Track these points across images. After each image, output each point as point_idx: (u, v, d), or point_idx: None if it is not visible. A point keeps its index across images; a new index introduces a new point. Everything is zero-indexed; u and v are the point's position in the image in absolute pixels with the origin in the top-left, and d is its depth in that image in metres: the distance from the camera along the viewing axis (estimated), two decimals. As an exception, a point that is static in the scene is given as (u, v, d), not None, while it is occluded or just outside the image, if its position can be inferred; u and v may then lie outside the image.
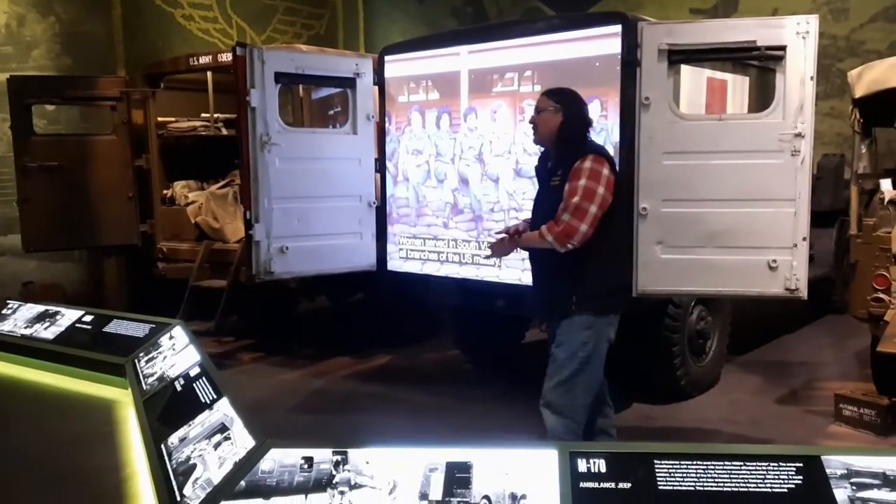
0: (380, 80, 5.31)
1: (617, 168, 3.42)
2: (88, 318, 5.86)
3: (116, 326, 5.59)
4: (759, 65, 4.63)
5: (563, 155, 3.30)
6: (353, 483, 2.69)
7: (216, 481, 2.89)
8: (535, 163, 3.64)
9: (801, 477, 2.59)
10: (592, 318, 3.23)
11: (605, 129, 4.21)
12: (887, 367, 4.32)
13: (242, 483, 2.76)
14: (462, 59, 4.87)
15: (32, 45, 7.54)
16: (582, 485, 2.58)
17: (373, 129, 5.33)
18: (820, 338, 6.60)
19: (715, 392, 5.16)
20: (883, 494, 2.49)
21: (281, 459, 2.82)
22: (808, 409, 4.83)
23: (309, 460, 2.78)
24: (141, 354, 4.97)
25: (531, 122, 3.39)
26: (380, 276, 5.38)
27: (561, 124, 3.28)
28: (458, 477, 2.67)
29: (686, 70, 4.67)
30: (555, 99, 3.33)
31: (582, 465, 2.65)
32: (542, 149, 3.51)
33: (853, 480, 2.56)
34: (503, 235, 3.51)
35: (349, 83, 5.23)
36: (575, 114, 3.31)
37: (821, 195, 6.71)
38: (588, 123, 3.37)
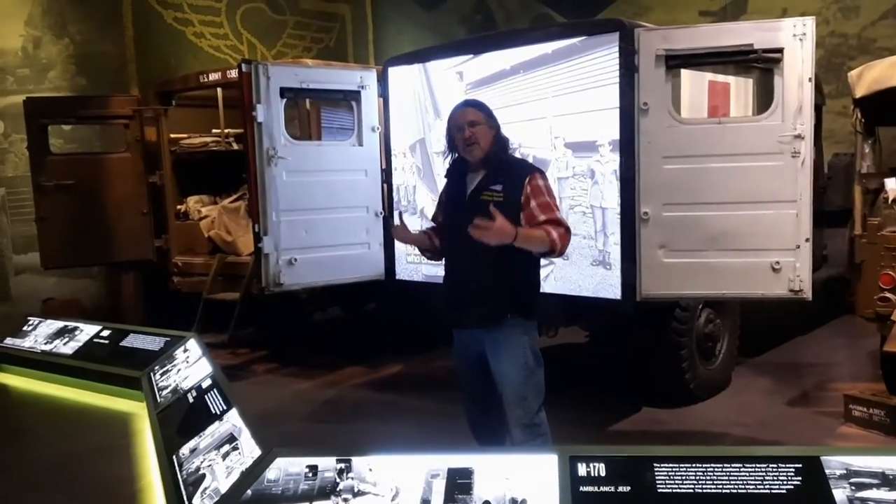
0: (384, 91, 5.39)
1: None
2: (106, 332, 5.97)
3: (133, 340, 5.69)
4: (761, 66, 4.65)
5: (497, 169, 3.19)
6: (356, 490, 2.74)
7: (224, 490, 2.96)
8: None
9: (800, 478, 2.60)
10: (525, 322, 3.22)
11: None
12: (896, 367, 4.30)
13: (249, 492, 2.81)
14: (460, 69, 4.93)
15: (48, 66, 7.71)
16: (582, 489, 2.61)
17: (378, 140, 5.41)
18: (833, 338, 6.55)
19: (725, 394, 5.14)
20: (882, 494, 2.50)
21: (286, 468, 2.87)
22: (819, 410, 4.80)
23: (313, 469, 2.84)
24: (156, 367, 5.06)
25: (468, 138, 3.15)
26: (388, 286, 5.44)
27: (494, 138, 3.19)
28: (459, 483, 2.71)
29: (686, 74, 4.69)
30: (484, 111, 3.22)
31: (582, 469, 2.68)
32: (451, 158, 3.34)
33: (852, 480, 2.57)
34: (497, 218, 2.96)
35: (354, 96, 5.32)
36: (500, 126, 3.25)
37: (832, 195, 6.68)
38: None
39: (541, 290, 3.39)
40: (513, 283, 3.18)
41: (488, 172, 3.20)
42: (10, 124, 7.67)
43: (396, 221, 3.36)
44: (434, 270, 5.07)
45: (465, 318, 3.30)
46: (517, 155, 4.22)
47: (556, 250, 3.07)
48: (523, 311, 3.22)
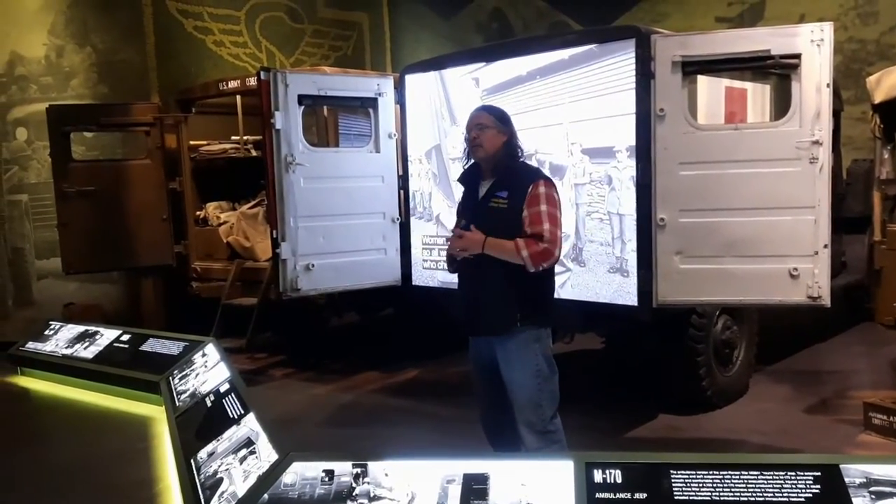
0: (401, 98, 5.42)
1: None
2: (125, 337, 6.06)
3: (152, 345, 5.77)
4: (779, 72, 4.63)
5: (505, 176, 3.24)
6: (372, 495, 2.75)
7: (241, 494, 2.98)
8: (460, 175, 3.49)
9: (819, 486, 2.59)
10: (536, 330, 3.23)
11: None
12: (917, 375, 4.26)
13: (265, 496, 2.84)
14: (476, 75, 4.95)
15: (71, 74, 7.82)
16: (598, 495, 2.62)
17: (395, 147, 5.44)
18: (853, 346, 6.48)
19: (743, 402, 5.10)
20: (902, 502, 2.48)
21: (303, 472, 2.90)
22: (838, 418, 4.75)
23: (330, 473, 2.86)
24: (175, 372, 5.13)
25: (474, 139, 3.24)
26: (405, 291, 5.47)
27: (504, 144, 3.24)
28: (475, 488, 2.72)
29: (703, 80, 4.69)
30: (496, 116, 3.27)
31: (598, 476, 2.68)
32: (468, 162, 3.40)
33: (872, 489, 2.55)
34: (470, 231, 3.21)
35: (371, 103, 5.36)
36: (514, 134, 3.28)
37: (851, 201, 6.63)
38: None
39: (555, 297, 3.41)
40: (523, 292, 3.21)
41: (497, 180, 3.26)
42: (34, 131, 7.79)
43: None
44: (450, 277, 5.08)
45: (477, 326, 3.34)
46: (533, 162, 4.24)
47: (527, 266, 3.12)
48: (534, 320, 3.25)
